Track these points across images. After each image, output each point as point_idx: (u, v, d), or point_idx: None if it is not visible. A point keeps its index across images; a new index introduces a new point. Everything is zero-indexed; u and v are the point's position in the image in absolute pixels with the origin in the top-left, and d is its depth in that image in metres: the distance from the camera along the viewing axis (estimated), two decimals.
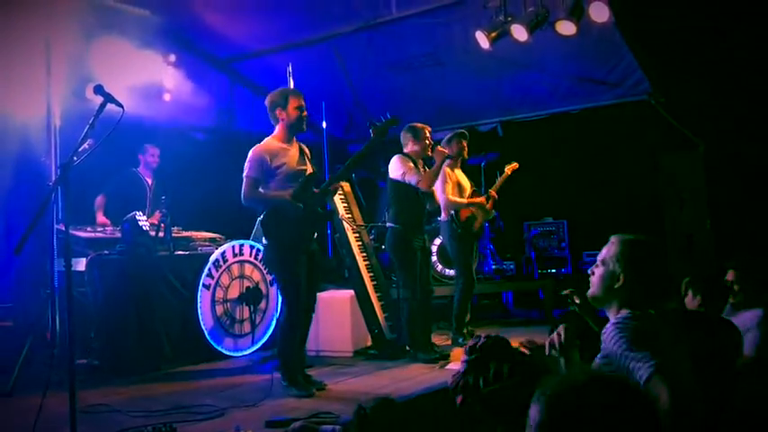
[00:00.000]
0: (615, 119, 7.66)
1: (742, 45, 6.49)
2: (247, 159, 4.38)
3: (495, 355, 2.28)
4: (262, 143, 4.47)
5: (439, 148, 5.39)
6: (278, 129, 4.51)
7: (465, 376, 2.28)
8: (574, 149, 8.16)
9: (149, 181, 6.58)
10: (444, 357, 5.27)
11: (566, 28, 5.97)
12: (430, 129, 5.56)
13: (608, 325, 2.24)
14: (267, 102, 4.51)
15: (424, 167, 5.47)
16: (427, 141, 5.46)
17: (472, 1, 6.37)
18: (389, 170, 5.42)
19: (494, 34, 6.24)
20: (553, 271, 8.15)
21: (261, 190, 4.38)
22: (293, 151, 4.50)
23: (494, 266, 8.00)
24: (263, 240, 4.49)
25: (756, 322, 3.53)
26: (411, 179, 5.26)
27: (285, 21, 6.93)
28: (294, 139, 4.55)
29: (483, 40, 6.30)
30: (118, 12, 6.23)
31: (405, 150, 5.51)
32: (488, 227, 8.03)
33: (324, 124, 7.89)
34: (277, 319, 4.59)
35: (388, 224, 5.45)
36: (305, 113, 4.51)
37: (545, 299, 7.54)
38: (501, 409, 2.22)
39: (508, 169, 6.44)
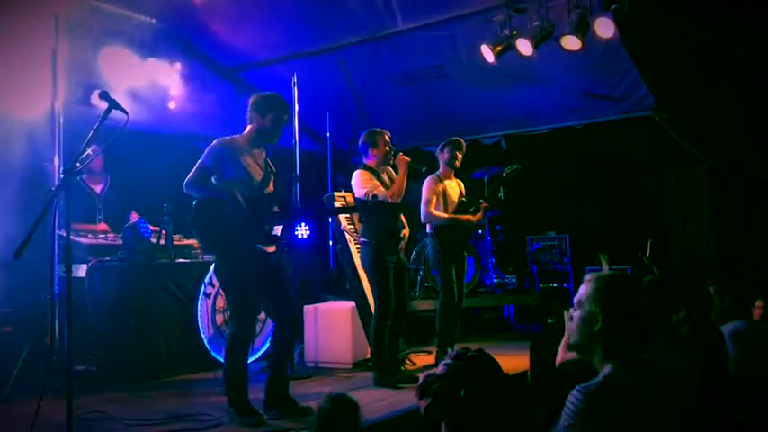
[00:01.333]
0: (619, 134, 7.65)
1: (747, 61, 6.50)
2: (207, 148, 4.07)
3: (480, 373, 2.09)
4: (227, 137, 4.15)
5: (401, 155, 5.08)
6: (249, 130, 4.18)
7: (442, 381, 2.14)
8: (577, 164, 8.15)
9: (97, 188, 6.20)
10: (412, 380, 4.99)
11: (571, 43, 5.98)
12: (389, 134, 5.21)
13: (576, 390, 2.01)
14: (251, 100, 4.19)
15: (386, 176, 5.21)
16: (387, 148, 5.13)
17: (477, 15, 6.39)
18: (353, 188, 5.14)
19: (499, 48, 6.26)
20: (555, 285, 8.12)
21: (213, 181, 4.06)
22: (258, 157, 4.18)
23: (495, 280, 7.97)
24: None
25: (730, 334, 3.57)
26: (379, 195, 4.96)
27: (291, 31, 6.95)
28: (262, 148, 4.25)
29: (488, 54, 6.32)
30: (124, 19, 6.26)
31: (365, 160, 5.21)
32: (490, 240, 8.02)
33: (328, 135, 7.90)
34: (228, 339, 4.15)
35: (361, 239, 5.20)
36: (281, 128, 4.20)
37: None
38: (466, 428, 2.11)
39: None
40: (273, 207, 4.15)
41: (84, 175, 6.13)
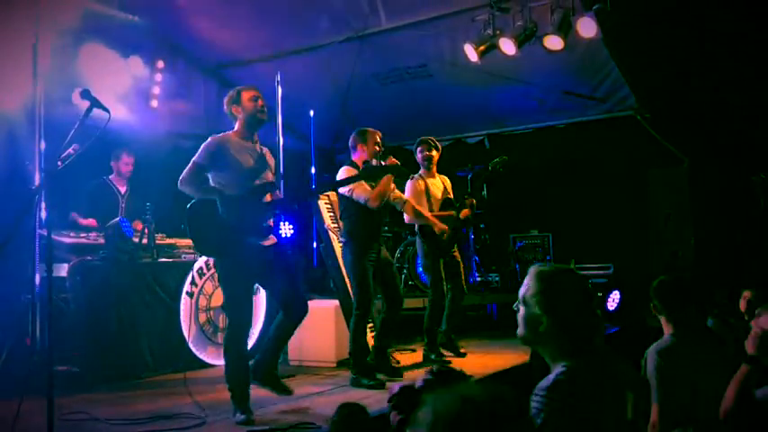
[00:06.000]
0: (601, 133, 7.73)
1: (727, 63, 6.57)
2: (201, 146, 4.10)
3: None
4: (221, 134, 4.17)
5: (391, 158, 4.98)
6: (237, 125, 4.22)
7: (416, 396, 2.12)
8: (560, 163, 8.21)
9: (122, 189, 6.41)
10: (398, 375, 5.05)
11: (553, 43, 6.03)
12: (380, 134, 5.13)
13: (539, 388, 1.98)
14: (224, 103, 4.27)
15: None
16: (377, 147, 5.03)
17: (461, 14, 6.42)
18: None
19: (482, 47, 6.29)
20: None
21: (210, 180, 4.10)
22: (252, 150, 4.19)
23: (479, 278, 8.01)
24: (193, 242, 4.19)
25: None
26: (359, 197, 4.89)
27: (275, 29, 6.94)
28: (257, 138, 4.27)
29: (471, 53, 6.34)
30: (106, 17, 6.20)
31: (353, 157, 5.12)
32: (473, 239, 8.05)
33: (311, 133, 7.89)
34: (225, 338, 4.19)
35: (341, 240, 5.13)
36: (261, 103, 4.20)
37: None
38: None
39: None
40: (267, 196, 4.16)
41: (113, 176, 6.39)
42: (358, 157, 5.09)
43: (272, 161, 4.33)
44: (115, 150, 6.37)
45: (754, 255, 6.73)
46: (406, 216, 5.63)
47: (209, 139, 4.13)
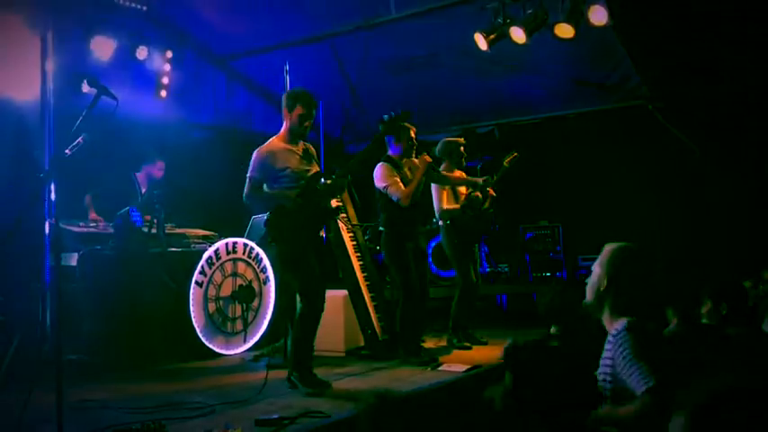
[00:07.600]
0: (612, 123, 7.65)
1: (740, 51, 6.49)
2: (251, 160, 4.41)
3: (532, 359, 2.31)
4: (266, 144, 4.48)
5: (424, 156, 5.30)
6: (283, 128, 4.53)
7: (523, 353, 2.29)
8: (570, 153, 8.14)
9: (143, 189, 6.36)
10: (434, 361, 5.22)
11: (564, 31, 5.95)
12: (415, 129, 5.44)
13: (610, 337, 2.34)
14: (282, 98, 4.57)
15: (408, 169, 5.40)
16: (410, 142, 5.37)
17: (471, 2, 6.35)
18: (375, 177, 5.35)
19: (492, 36, 6.23)
20: (547, 274, 8.15)
21: (266, 189, 4.42)
22: (297, 152, 4.49)
23: (488, 269, 7.98)
24: (270, 242, 4.52)
25: None
26: (393, 194, 5.22)
27: (283, 19, 6.90)
28: (300, 140, 4.57)
29: (481, 42, 6.28)
30: (116, 6, 6.20)
31: (389, 152, 5.42)
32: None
33: (321, 123, 7.86)
34: (298, 314, 4.50)
35: (380, 228, 5.42)
36: (307, 123, 4.49)
37: (539, 302, 7.56)
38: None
39: (506, 161, 6.31)
40: (320, 182, 4.52)
41: (141, 174, 6.38)
42: (393, 151, 5.41)
43: (314, 153, 4.65)
44: (150, 154, 6.39)
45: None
46: (438, 210, 5.90)
47: (255, 152, 4.43)
